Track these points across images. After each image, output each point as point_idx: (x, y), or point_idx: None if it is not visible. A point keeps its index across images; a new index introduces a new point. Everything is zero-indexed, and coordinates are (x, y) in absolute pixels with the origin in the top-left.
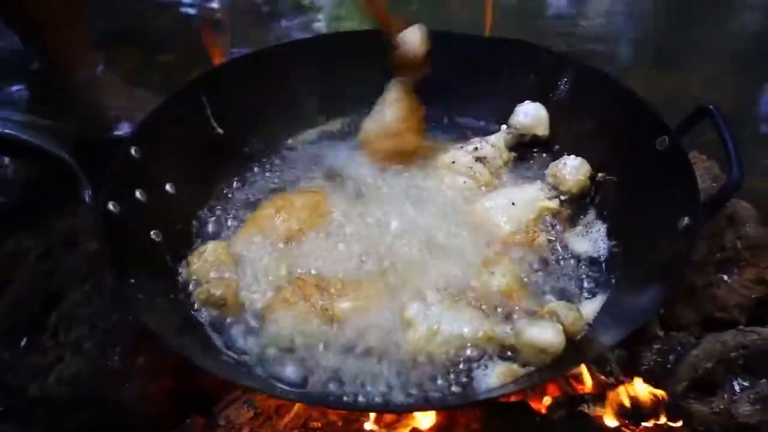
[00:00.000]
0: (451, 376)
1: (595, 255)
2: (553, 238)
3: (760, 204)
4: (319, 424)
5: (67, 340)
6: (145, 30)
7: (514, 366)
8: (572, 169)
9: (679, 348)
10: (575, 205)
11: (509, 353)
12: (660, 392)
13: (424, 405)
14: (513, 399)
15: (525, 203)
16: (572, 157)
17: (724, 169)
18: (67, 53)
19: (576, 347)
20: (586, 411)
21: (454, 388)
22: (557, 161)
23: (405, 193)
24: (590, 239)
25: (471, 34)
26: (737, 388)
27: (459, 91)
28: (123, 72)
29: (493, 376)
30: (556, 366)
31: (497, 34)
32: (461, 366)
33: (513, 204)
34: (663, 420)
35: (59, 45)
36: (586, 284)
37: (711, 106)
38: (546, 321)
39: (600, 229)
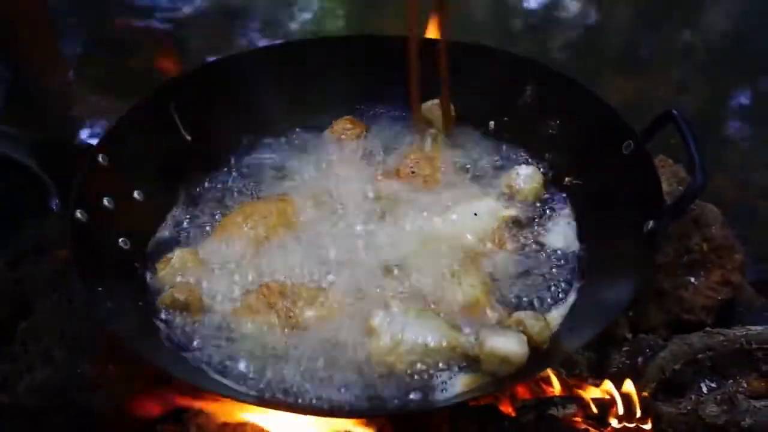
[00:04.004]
0: (415, 384)
1: (562, 260)
2: (519, 246)
3: (727, 206)
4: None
5: (37, 348)
6: (115, 37)
7: (478, 376)
8: (525, 178)
9: (647, 350)
10: (538, 210)
11: (473, 364)
12: (631, 392)
13: (389, 410)
14: (482, 403)
15: (487, 214)
16: (523, 166)
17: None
18: (37, 61)
19: (542, 352)
20: (555, 414)
21: (417, 396)
22: (510, 172)
23: (373, 202)
24: (557, 244)
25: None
26: (704, 389)
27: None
28: (92, 79)
29: (458, 384)
30: (521, 371)
31: (465, 38)
32: (425, 375)
33: (475, 215)
34: (632, 422)
35: (28, 52)
36: (553, 289)
37: (674, 111)
38: (510, 331)
39: (567, 233)
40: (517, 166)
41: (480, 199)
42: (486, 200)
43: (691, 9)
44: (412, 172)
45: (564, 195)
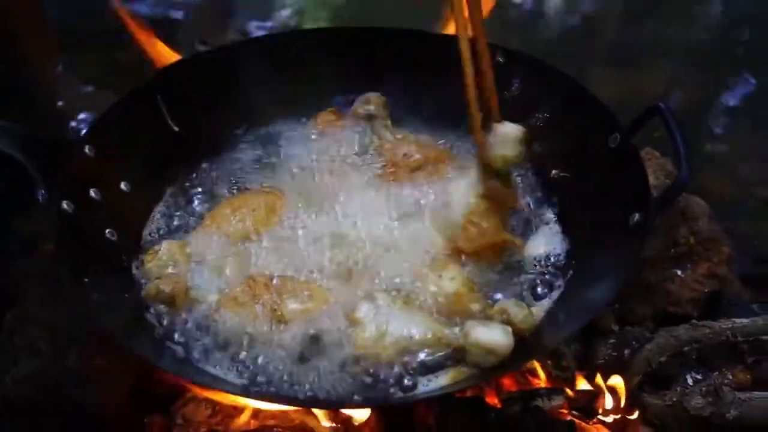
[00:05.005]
0: (400, 375)
1: (549, 252)
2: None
3: (714, 199)
4: (276, 422)
5: (24, 341)
6: (104, 29)
7: (463, 367)
8: (504, 138)
9: (633, 342)
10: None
11: (459, 355)
12: (617, 384)
13: (374, 402)
14: (468, 395)
15: (462, 193)
16: (505, 123)
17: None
18: (29, 53)
19: (527, 344)
20: (541, 405)
21: (402, 388)
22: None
23: (360, 195)
24: (543, 237)
25: (424, 30)
26: (690, 381)
27: (410, 88)
28: (80, 71)
29: (443, 376)
30: (507, 362)
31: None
32: (410, 366)
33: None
34: (618, 413)
35: (22, 45)
36: (539, 282)
37: (661, 105)
38: (494, 322)
39: (553, 226)
40: (496, 124)
41: (456, 180)
42: (462, 180)
43: (681, 3)
44: (394, 164)
45: (550, 187)
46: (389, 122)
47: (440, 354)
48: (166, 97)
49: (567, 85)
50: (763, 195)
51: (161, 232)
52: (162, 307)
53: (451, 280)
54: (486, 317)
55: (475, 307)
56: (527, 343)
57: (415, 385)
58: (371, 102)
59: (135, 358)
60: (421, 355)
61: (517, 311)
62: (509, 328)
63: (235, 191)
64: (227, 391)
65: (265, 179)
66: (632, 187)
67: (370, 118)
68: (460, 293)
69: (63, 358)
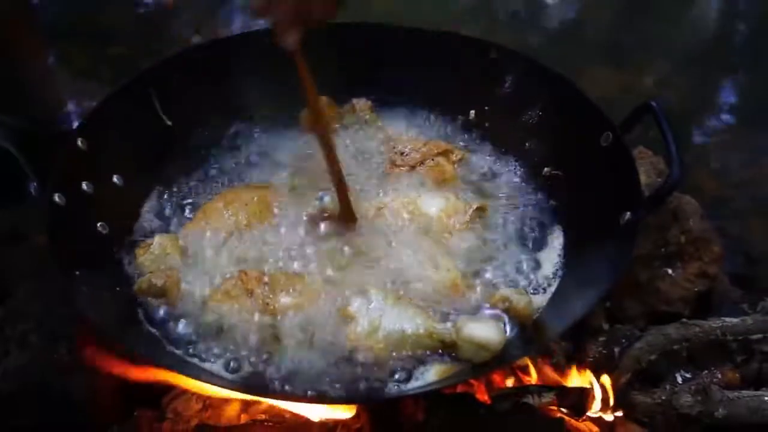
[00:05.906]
0: (391, 370)
1: (542, 250)
2: (499, 236)
3: (706, 198)
4: (266, 416)
5: (14, 334)
6: (95, 22)
7: (454, 363)
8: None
9: (623, 340)
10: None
11: (450, 350)
12: (607, 382)
13: (363, 398)
14: (458, 391)
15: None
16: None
17: None
18: (16, 46)
19: (518, 340)
20: (531, 402)
21: (393, 383)
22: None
23: (352, 189)
24: (537, 235)
25: (420, 28)
26: (679, 379)
27: (405, 86)
28: (73, 65)
29: (434, 371)
30: (498, 358)
31: (446, 27)
32: (401, 361)
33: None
34: (608, 411)
35: (10, 40)
36: (533, 279)
37: (653, 103)
38: (487, 318)
39: (546, 224)
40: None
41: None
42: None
43: (674, 3)
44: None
45: (544, 187)
46: (380, 123)
47: (431, 349)
48: (159, 91)
49: (559, 83)
50: (754, 194)
51: (153, 225)
52: (154, 301)
53: (447, 271)
54: (487, 304)
55: (474, 295)
56: (518, 340)
57: (405, 381)
58: (357, 108)
59: (125, 351)
60: (412, 351)
61: (519, 298)
62: (501, 324)
63: (227, 185)
64: (217, 385)
65: (257, 173)
66: (623, 186)
67: (359, 121)
68: (456, 283)
69: (53, 351)
